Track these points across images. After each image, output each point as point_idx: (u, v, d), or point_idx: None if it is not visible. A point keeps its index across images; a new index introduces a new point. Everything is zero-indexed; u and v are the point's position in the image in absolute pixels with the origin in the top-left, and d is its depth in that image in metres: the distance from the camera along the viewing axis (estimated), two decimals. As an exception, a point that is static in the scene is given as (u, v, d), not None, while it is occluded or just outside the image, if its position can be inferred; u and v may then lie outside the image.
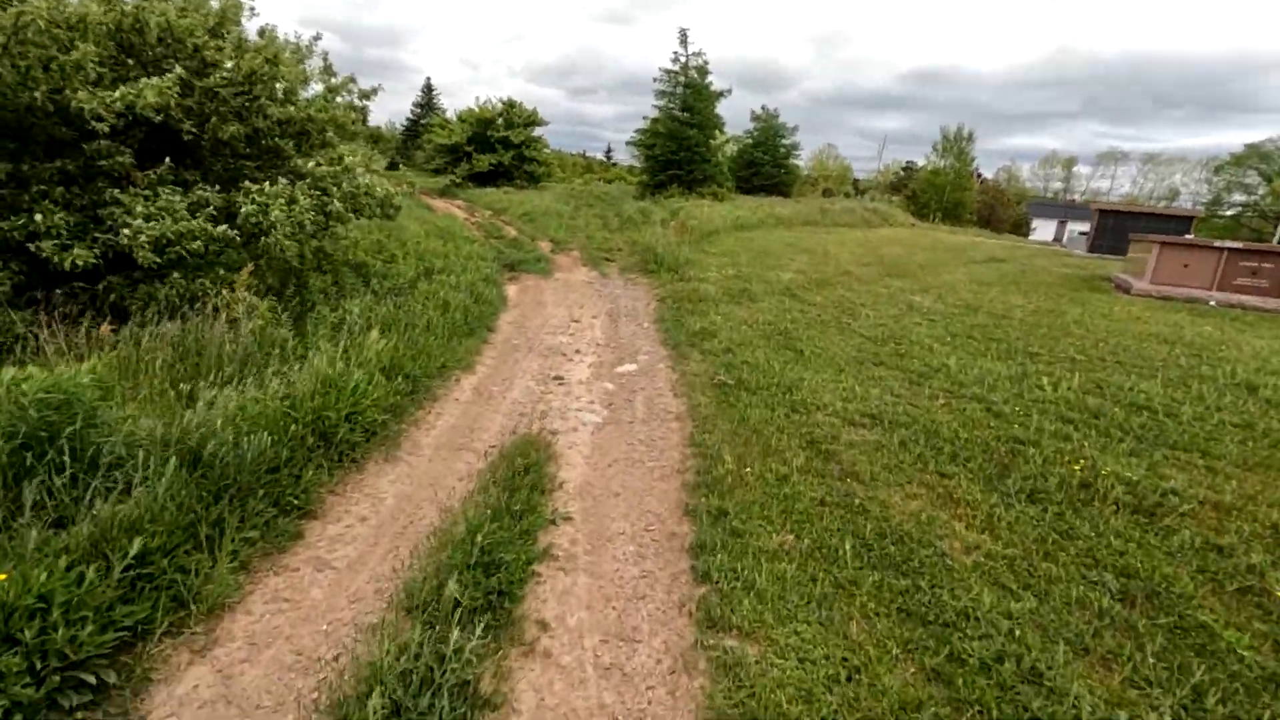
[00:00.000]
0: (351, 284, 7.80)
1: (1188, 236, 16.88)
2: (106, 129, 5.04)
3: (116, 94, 4.99)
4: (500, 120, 28.94)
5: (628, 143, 31.10)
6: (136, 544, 2.59)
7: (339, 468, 4.18)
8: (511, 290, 10.62)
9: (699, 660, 2.72)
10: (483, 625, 2.61)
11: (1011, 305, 10.66)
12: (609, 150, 69.23)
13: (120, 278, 5.80)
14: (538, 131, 30.34)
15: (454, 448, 4.81)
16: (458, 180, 27.81)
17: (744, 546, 3.43)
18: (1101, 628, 2.92)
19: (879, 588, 3.15)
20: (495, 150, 28.36)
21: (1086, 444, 4.84)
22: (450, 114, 35.13)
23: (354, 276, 8.16)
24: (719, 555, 3.33)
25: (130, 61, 6.21)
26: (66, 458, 2.99)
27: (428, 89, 47.27)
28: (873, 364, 6.91)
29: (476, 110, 29.46)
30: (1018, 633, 2.83)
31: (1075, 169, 74.93)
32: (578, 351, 7.41)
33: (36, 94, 4.86)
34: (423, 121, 41.42)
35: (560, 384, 6.28)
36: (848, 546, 3.45)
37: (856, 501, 3.96)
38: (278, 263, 6.71)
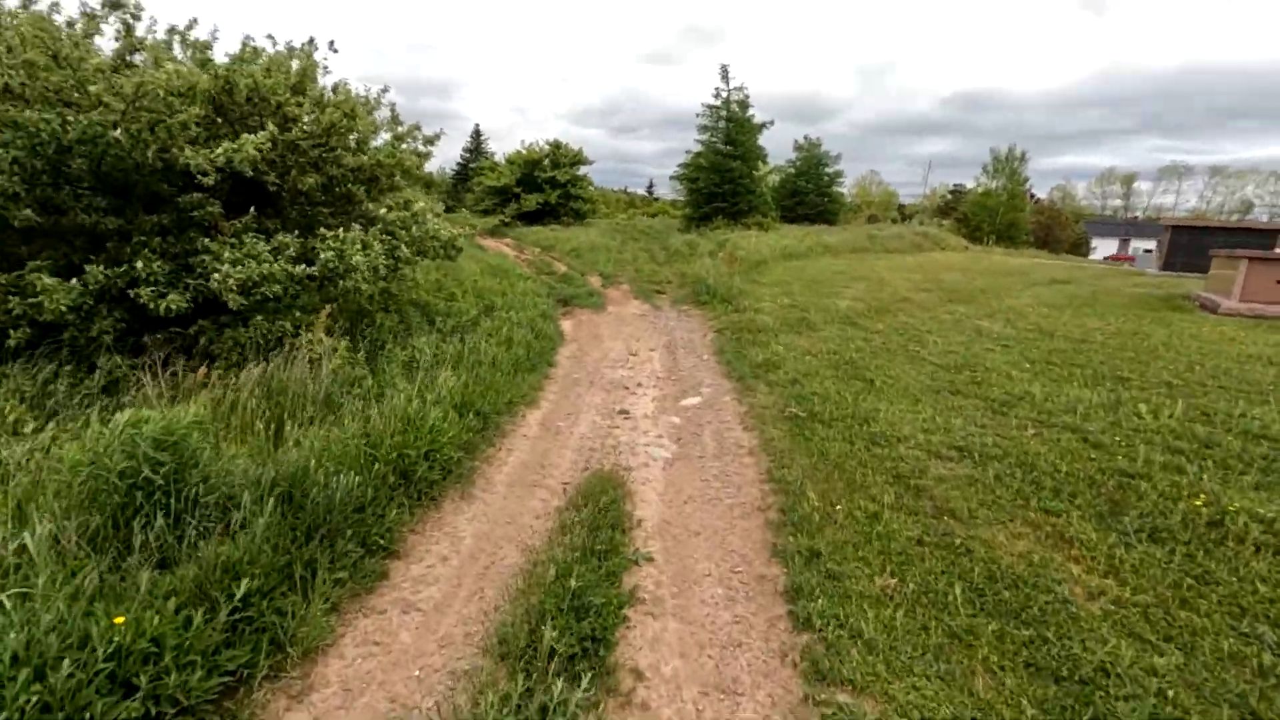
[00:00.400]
0: (416, 322, 8.00)
1: (1279, 250, 15.80)
2: (211, 182, 5.36)
3: (220, 149, 5.31)
4: (547, 161, 29.81)
5: (672, 177, 31.60)
6: (243, 586, 2.60)
7: (418, 506, 4.18)
8: (567, 325, 10.71)
9: (811, 717, 2.53)
10: (589, 677, 2.50)
11: (1089, 328, 10.10)
12: (651, 185, 70.55)
13: (208, 322, 6.09)
14: (582, 170, 31.11)
15: (527, 484, 4.77)
16: (506, 220, 28.59)
17: (844, 591, 3.23)
18: (1268, 689, 2.59)
19: (1000, 638, 2.89)
20: (542, 190, 29.16)
21: (1205, 477, 4.44)
22: (499, 157, 36.45)
23: (418, 315, 8.37)
24: (819, 600, 3.14)
25: (219, 120, 6.64)
26: (172, 498, 3.07)
27: (476, 134, 49.28)
28: (949, 393, 6.60)
29: (524, 152, 30.48)
30: (1170, 693, 2.53)
31: (1135, 185, 72.00)
32: (639, 385, 7.35)
33: (149, 153, 5.22)
34: (472, 165, 43.06)
35: (626, 418, 6.21)
36: (957, 591, 3.20)
37: (957, 541, 3.71)
38: (351, 305, 6.94)
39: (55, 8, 6.04)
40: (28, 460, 3.67)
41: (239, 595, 2.58)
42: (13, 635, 2.08)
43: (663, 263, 18.22)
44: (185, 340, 5.99)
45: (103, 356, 5.37)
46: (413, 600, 3.35)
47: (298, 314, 6.37)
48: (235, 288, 5.36)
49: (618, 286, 14.79)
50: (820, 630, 2.96)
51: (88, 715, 2.01)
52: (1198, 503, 4.03)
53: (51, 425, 4.10)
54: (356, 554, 3.43)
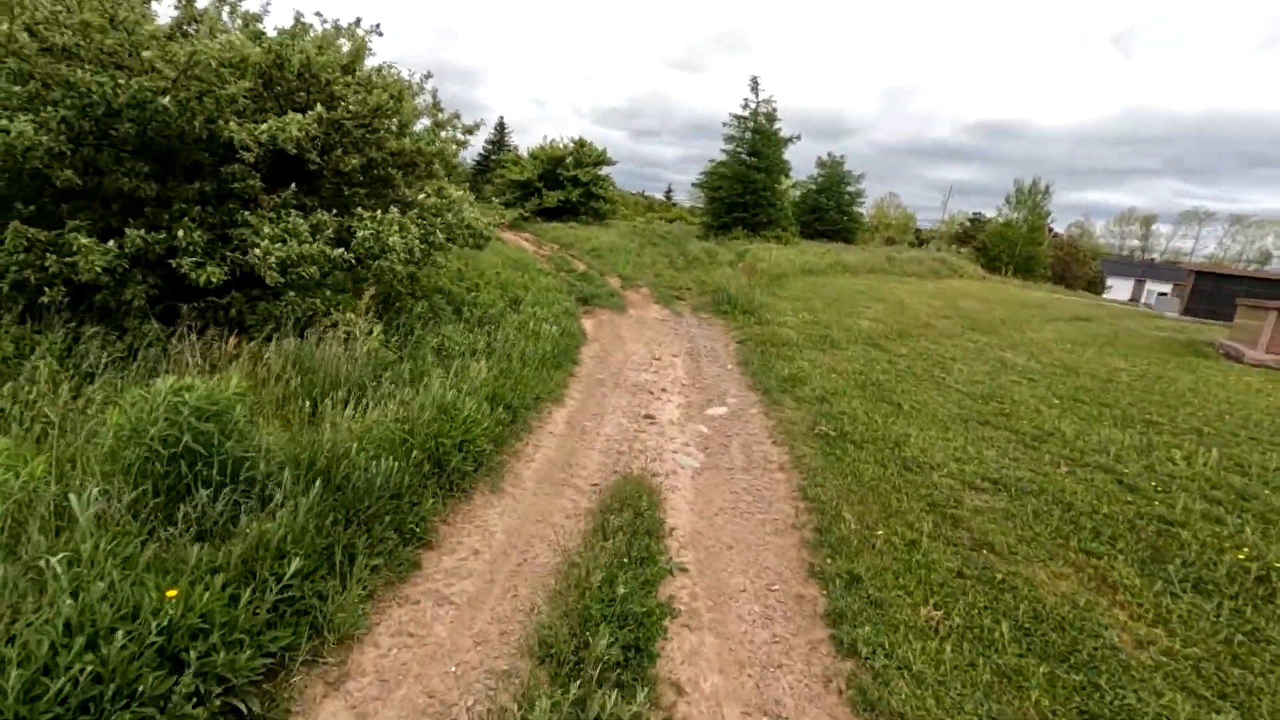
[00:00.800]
0: (444, 311, 7.96)
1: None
2: (252, 159, 5.32)
3: (264, 126, 5.28)
4: (570, 159, 29.85)
5: (694, 184, 31.61)
6: (294, 565, 2.55)
7: (450, 497, 4.12)
8: (588, 324, 10.66)
9: (861, 748, 2.47)
10: (644, 691, 2.44)
11: (1114, 368, 10.02)
12: (669, 190, 70.56)
13: (241, 294, 6.05)
14: (605, 171, 31.15)
15: (555, 482, 4.72)
16: (526, 214, 28.64)
17: (888, 619, 3.17)
18: (1330, 756, 2.52)
19: (1051, 681, 2.83)
20: (564, 187, 29.20)
21: (1247, 530, 4.36)
22: (522, 150, 36.51)
23: (445, 304, 8.34)
24: (864, 627, 3.07)
25: (266, 94, 6.62)
26: (215, 471, 3.02)
27: (500, 127, 49.35)
28: (978, 423, 6.53)
29: (547, 148, 30.53)
30: (1232, 753, 2.47)
31: (1154, 227, 71.74)
32: (664, 390, 7.29)
33: (195, 122, 5.19)
34: (494, 158, 43.15)
35: (652, 423, 6.15)
36: (1004, 629, 3.13)
37: (999, 577, 3.64)
38: (383, 288, 6.90)
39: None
40: (65, 421, 3.63)
41: (289, 575, 2.53)
42: (67, 602, 2.03)
43: (681, 269, 18.17)
44: (216, 309, 5.96)
45: (133, 321, 5.34)
46: (446, 593, 3.29)
47: (328, 293, 6.34)
48: (275, 265, 5.33)
49: (637, 289, 14.74)
50: (866, 658, 2.89)
51: (138, 689, 1.96)
52: (1241, 556, 3.96)
53: (89, 387, 4.06)
54: (392, 541, 3.38)
